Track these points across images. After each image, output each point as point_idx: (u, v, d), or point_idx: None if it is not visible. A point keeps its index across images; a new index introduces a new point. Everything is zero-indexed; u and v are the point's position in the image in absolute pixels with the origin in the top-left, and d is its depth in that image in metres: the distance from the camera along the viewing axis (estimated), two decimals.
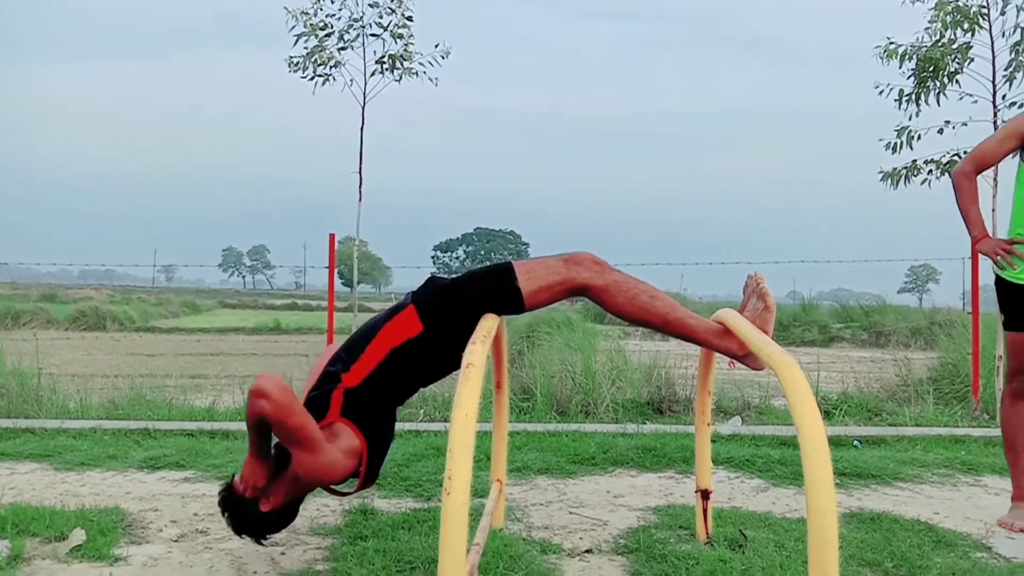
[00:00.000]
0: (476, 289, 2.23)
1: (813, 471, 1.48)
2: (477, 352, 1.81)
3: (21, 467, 3.77)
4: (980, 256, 5.49)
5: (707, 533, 2.72)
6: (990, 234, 3.12)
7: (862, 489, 3.51)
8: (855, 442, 4.47)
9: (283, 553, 2.62)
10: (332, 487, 2.29)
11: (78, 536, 2.61)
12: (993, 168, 3.92)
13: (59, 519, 2.76)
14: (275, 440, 2.18)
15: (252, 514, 2.22)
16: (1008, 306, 3.04)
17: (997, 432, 4.70)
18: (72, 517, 2.80)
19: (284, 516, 2.30)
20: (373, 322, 2.33)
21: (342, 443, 2.15)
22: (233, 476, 2.26)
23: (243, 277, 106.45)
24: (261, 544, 2.39)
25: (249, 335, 19.05)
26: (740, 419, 5.26)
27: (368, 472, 2.24)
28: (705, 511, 2.73)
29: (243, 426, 4.75)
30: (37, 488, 3.39)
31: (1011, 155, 3.05)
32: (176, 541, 2.73)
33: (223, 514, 2.29)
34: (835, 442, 4.40)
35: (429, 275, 2.43)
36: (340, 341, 2.48)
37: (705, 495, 2.73)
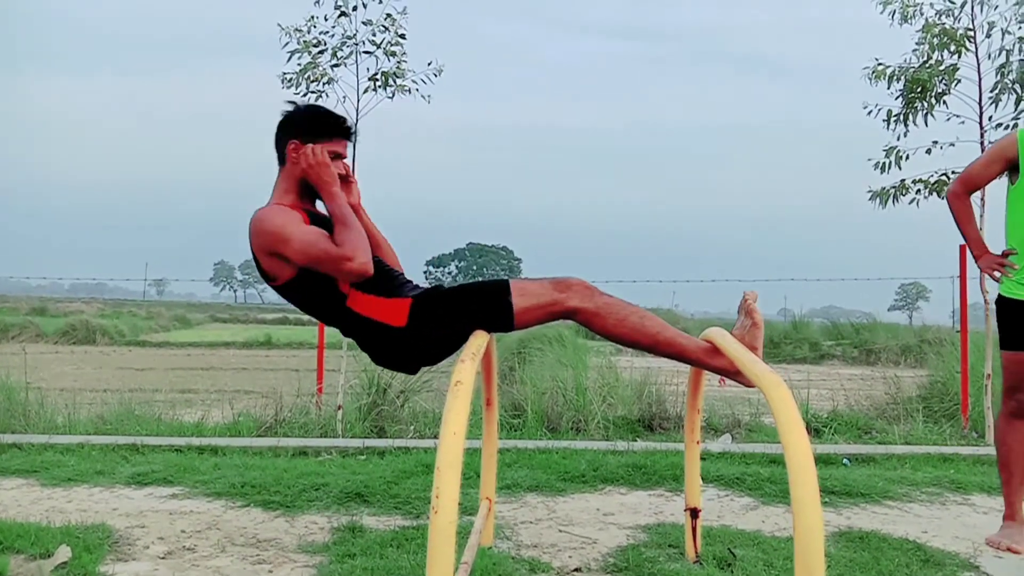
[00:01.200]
0: (470, 301, 2.23)
1: (799, 490, 1.48)
2: (467, 370, 1.81)
3: (7, 483, 3.74)
4: (968, 275, 5.56)
5: (696, 552, 2.72)
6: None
7: (851, 507, 3.51)
8: (844, 460, 4.48)
9: (271, 571, 2.61)
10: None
11: (64, 553, 2.59)
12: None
13: (44, 536, 2.74)
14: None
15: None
16: (1006, 324, 3.07)
17: (986, 451, 4.73)
18: (58, 534, 2.78)
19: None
20: (397, 280, 2.35)
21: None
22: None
23: (235, 291, 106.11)
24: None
25: (240, 349, 18.97)
26: (730, 436, 5.26)
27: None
28: (694, 529, 2.73)
29: (231, 442, 4.74)
30: (23, 504, 3.36)
31: (999, 176, 3.10)
32: (163, 558, 2.71)
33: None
34: (825, 460, 4.42)
35: (434, 284, 2.45)
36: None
37: (694, 513, 2.73)
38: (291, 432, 5.06)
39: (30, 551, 2.63)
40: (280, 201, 2.35)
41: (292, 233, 2.19)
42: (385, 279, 2.31)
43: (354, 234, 2.20)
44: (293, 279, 2.26)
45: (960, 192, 3.13)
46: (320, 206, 2.39)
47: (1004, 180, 3.13)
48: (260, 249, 2.25)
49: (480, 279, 2.52)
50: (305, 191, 2.36)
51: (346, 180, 2.42)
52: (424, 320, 2.22)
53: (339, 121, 2.41)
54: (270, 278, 2.30)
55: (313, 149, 2.30)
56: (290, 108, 2.40)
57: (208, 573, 2.57)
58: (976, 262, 3.17)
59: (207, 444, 4.55)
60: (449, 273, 76.01)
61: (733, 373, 2.21)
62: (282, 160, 2.38)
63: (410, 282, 2.40)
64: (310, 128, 2.35)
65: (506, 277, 2.37)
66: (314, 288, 2.26)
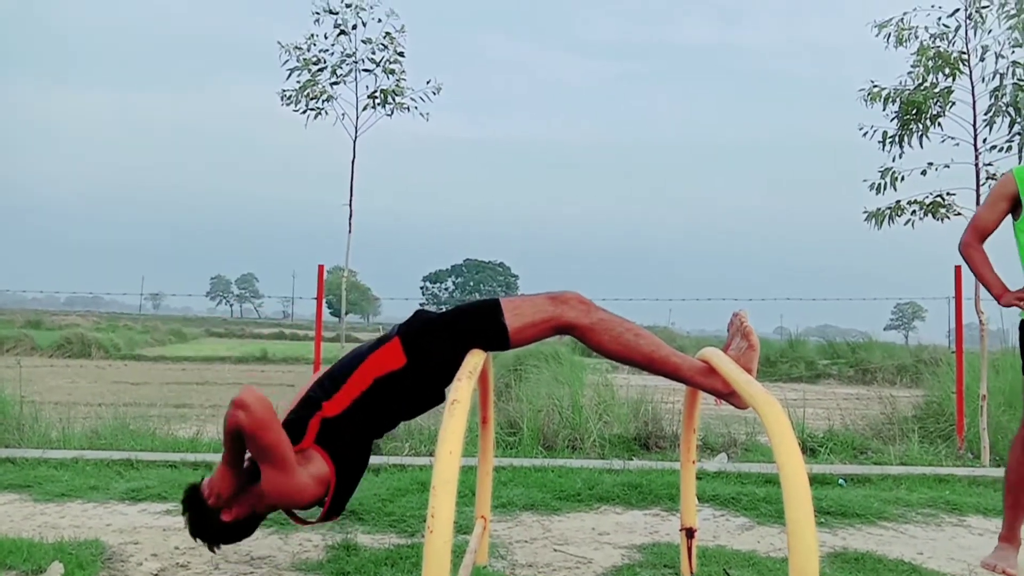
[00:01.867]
0: (463, 324, 2.25)
1: (794, 512, 1.49)
2: (463, 388, 1.82)
3: (0, 498, 3.72)
4: (964, 296, 5.58)
5: (692, 572, 2.72)
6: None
7: (846, 528, 3.51)
8: (840, 481, 4.47)
9: None
10: (294, 513, 2.29)
11: (56, 570, 2.57)
12: None
13: (37, 552, 2.72)
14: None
15: (212, 521, 2.23)
16: None
17: (981, 472, 4.73)
18: (51, 550, 2.76)
19: (241, 529, 2.30)
20: (358, 351, 2.35)
21: (312, 469, 2.16)
22: (203, 478, 2.26)
23: (231, 306, 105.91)
24: (213, 552, 2.38)
25: (235, 364, 18.92)
26: (726, 456, 5.25)
27: (333, 503, 2.24)
28: (690, 549, 2.72)
29: None
30: (15, 520, 3.34)
31: (1006, 216, 3.10)
32: (156, 575, 2.69)
33: (183, 512, 2.28)
34: (820, 480, 4.41)
35: (416, 308, 2.45)
36: (334, 352, 2.48)
37: (690, 533, 2.73)
38: None
39: (22, 567, 2.62)
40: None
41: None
42: (337, 370, 2.32)
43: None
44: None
45: (971, 241, 3.12)
46: None
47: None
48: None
49: (472, 300, 2.53)
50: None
51: None
52: (422, 349, 2.24)
53: None
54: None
55: None
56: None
57: None
58: (998, 302, 3.09)
59: (202, 460, 4.54)
60: (446, 289, 76.03)
61: (727, 394, 2.22)
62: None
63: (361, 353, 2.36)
64: None
65: (498, 296, 2.38)
66: (344, 431, 2.24)
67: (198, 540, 2.30)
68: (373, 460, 4.65)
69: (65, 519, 3.39)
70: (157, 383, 12.27)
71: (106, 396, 8.68)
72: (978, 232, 3.12)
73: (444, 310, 2.39)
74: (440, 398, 2.33)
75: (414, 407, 2.35)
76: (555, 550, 3.11)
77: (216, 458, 4.55)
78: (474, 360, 2.07)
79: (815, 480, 4.38)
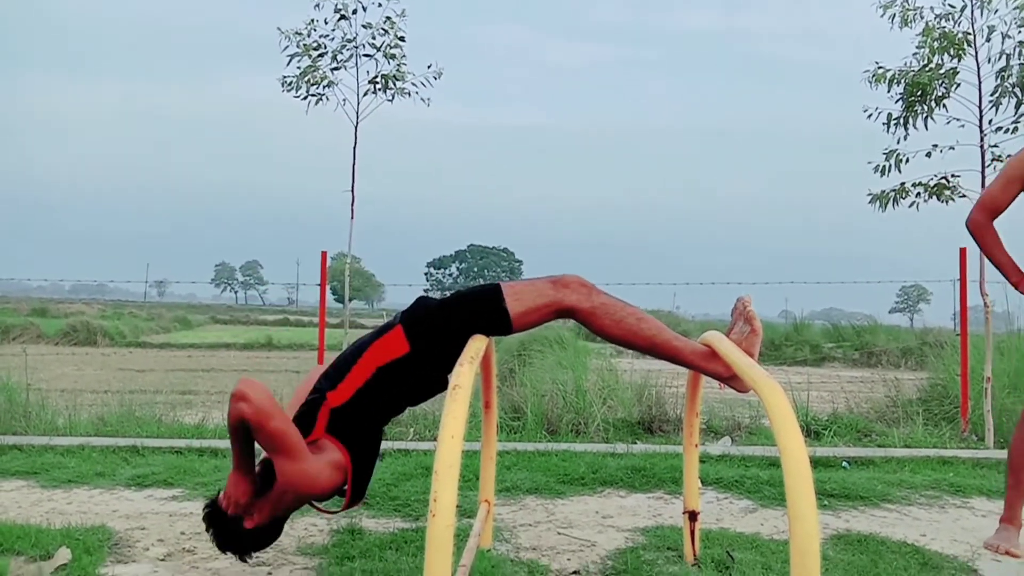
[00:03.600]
0: (464, 310, 2.25)
1: (795, 495, 1.49)
2: (464, 374, 1.83)
3: (7, 484, 3.75)
4: (968, 278, 5.56)
5: (694, 554, 2.73)
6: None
7: (850, 511, 3.52)
8: (844, 463, 4.48)
9: (269, 573, 2.62)
10: (317, 504, 2.29)
11: (63, 555, 2.59)
12: None
13: (44, 537, 2.75)
14: (261, 457, 2.18)
15: (236, 531, 2.22)
16: None
17: (985, 454, 4.73)
18: (57, 535, 2.78)
19: (268, 534, 2.29)
20: (361, 341, 2.35)
21: (326, 456, 2.15)
22: (218, 492, 2.26)
23: (235, 293, 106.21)
24: (245, 562, 2.38)
25: (240, 351, 18.98)
26: (730, 439, 5.26)
27: (355, 489, 2.24)
28: (692, 532, 2.73)
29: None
30: (23, 506, 3.37)
31: (1018, 195, 3.02)
32: (163, 560, 2.72)
33: (207, 530, 2.28)
34: (824, 463, 4.42)
35: (419, 295, 2.45)
36: (329, 361, 2.48)
37: (692, 516, 2.74)
38: None
39: (30, 552, 2.64)
40: None
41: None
42: (342, 360, 2.32)
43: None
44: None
45: (980, 219, 2.99)
46: None
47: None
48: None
49: (473, 285, 2.53)
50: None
51: None
52: (424, 336, 2.24)
53: None
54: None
55: None
56: None
57: (207, 575, 2.58)
58: (1016, 288, 2.98)
59: (207, 446, 4.56)
60: (450, 275, 76.08)
61: (728, 378, 2.22)
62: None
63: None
64: None
65: (498, 281, 2.37)
66: (355, 418, 2.24)
67: (228, 553, 2.29)
68: None
69: (72, 505, 3.41)
70: (162, 370, 12.33)
71: (112, 383, 8.73)
72: (988, 211, 3.00)
73: (446, 296, 2.39)
74: (444, 384, 2.33)
75: (419, 394, 2.36)
76: (559, 533, 3.12)
77: (221, 444, 4.58)
78: (476, 345, 2.07)
79: (819, 463, 4.39)
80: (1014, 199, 3.00)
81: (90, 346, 19.07)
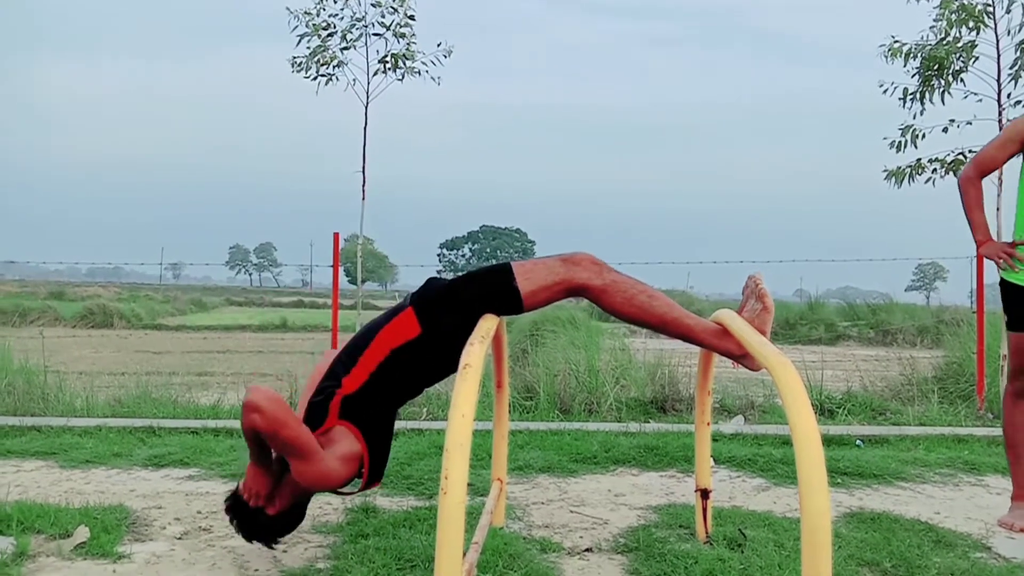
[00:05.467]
0: (475, 290, 2.25)
1: (806, 472, 1.49)
2: (475, 353, 1.83)
3: (27, 464, 3.80)
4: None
5: (707, 532, 2.73)
6: (994, 236, 3.14)
7: (863, 489, 3.51)
8: (857, 441, 4.47)
9: (285, 551, 2.64)
10: (337, 489, 2.31)
11: (82, 533, 2.63)
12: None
13: (64, 516, 2.78)
14: None
15: (260, 520, 2.25)
16: (1011, 307, 3.05)
17: (1000, 432, 4.70)
18: (76, 514, 2.82)
19: (292, 519, 2.32)
20: (373, 324, 2.35)
21: (340, 448, 2.17)
22: (238, 483, 2.29)
23: (250, 275, 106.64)
24: (272, 548, 2.42)
25: (256, 332, 19.13)
26: (743, 418, 5.26)
27: (372, 472, 2.26)
28: (705, 510, 2.74)
29: None
30: (43, 485, 3.42)
31: (1014, 157, 3.05)
32: (179, 539, 2.75)
33: (231, 522, 2.31)
34: (838, 441, 4.41)
35: (429, 276, 2.44)
36: (342, 344, 2.49)
37: (705, 494, 2.74)
38: None
39: (50, 531, 2.68)
40: None
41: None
42: (354, 344, 2.32)
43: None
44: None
45: (972, 176, 3.04)
46: None
47: (1019, 162, 3.07)
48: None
49: (484, 265, 2.53)
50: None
51: None
52: (435, 317, 2.24)
53: None
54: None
55: None
56: None
57: (223, 553, 2.61)
58: (978, 248, 3.07)
59: (223, 426, 4.61)
60: (463, 256, 76.04)
61: (740, 356, 2.21)
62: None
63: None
64: None
65: (509, 261, 2.37)
66: (370, 402, 2.25)
67: (255, 542, 2.33)
68: None
69: (90, 485, 3.46)
70: (178, 352, 12.44)
71: (128, 365, 8.81)
72: (980, 168, 3.05)
73: (457, 277, 2.38)
74: (456, 365, 2.34)
75: (433, 374, 2.36)
76: (571, 511, 3.14)
77: (236, 424, 4.62)
78: (486, 325, 2.07)
79: (832, 441, 4.38)
80: (1007, 160, 3.05)
81: (107, 328, 19.26)
